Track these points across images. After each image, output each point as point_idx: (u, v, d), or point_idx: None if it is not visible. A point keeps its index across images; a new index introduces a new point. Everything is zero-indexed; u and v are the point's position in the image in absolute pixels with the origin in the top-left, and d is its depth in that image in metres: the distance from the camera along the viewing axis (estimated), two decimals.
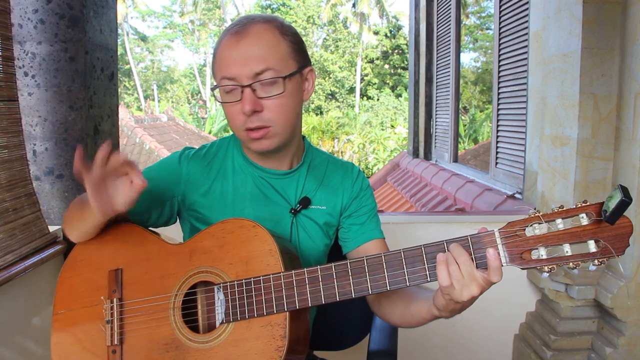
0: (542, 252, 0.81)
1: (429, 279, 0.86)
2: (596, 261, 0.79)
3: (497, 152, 3.16)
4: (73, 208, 1.07)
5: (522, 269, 0.82)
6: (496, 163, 3.17)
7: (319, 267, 0.91)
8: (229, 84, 0.98)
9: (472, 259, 0.83)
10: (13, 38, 1.56)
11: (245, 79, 0.96)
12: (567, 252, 0.80)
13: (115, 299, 1.02)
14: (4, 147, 1.44)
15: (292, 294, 0.91)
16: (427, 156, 4.95)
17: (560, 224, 0.80)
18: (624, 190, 0.73)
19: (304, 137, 1.15)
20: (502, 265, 0.82)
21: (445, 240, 0.86)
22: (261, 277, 0.93)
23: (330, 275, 0.90)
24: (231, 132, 1.16)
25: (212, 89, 1.03)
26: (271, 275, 0.93)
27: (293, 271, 0.92)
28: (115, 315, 1.01)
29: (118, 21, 1.97)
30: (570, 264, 0.80)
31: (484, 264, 0.83)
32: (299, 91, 1.04)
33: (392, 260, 0.88)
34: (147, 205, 1.07)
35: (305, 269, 0.92)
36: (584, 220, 0.79)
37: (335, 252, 1.17)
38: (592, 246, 0.79)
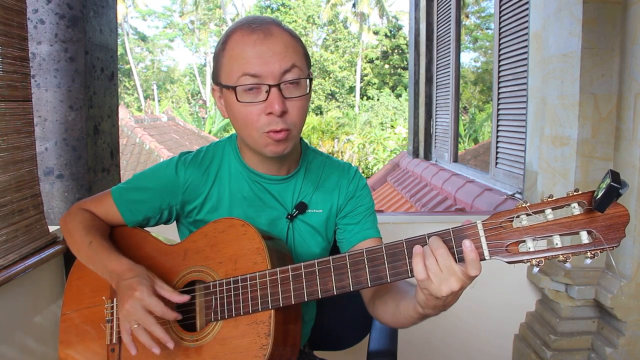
0: (529, 245, 0.76)
1: (409, 274, 0.83)
2: (589, 253, 0.73)
3: (497, 152, 3.16)
4: (84, 243, 1.04)
5: (509, 262, 0.77)
6: (496, 163, 3.17)
7: (302, 264, 0.90)
8: (253, 83, 0.93)
9: (453, 252, 0.79)
10: None
11: (272, 77, 0.92)
12: (557, 244, 0.74)
13: (115, 299, 1.03)
14: (16, 148, 1.41)
15: (276, 291, 0.91)
16: (427, 156, 4.95)
17: (550, 214, 0.75)
18: (614, 175, 0.67)
19: (300, 138, 1.14)
20: (485, 259, 0.78)
21: (427, 233, 0.82)
22: (248, 275, 0.93)
23: (313, 272, 0.89)
24: (230, 133, 1.15)
25: (227, 88, 0.95)
26: (257, 274, 0.93)
27: (277, 269, 0.92)
28: (115, 315, 1.02)
29: (118, 21, 1.97)
30: (561, 256, 0.74)
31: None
32: (310, 96, 1.03)
33: (374, 256, 0.86)
34: (145, 214, 1.10)
35: (289, 266, 0.91)
36: (575, 210, 0.74)
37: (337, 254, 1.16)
38: (584, 237, 0.73)
